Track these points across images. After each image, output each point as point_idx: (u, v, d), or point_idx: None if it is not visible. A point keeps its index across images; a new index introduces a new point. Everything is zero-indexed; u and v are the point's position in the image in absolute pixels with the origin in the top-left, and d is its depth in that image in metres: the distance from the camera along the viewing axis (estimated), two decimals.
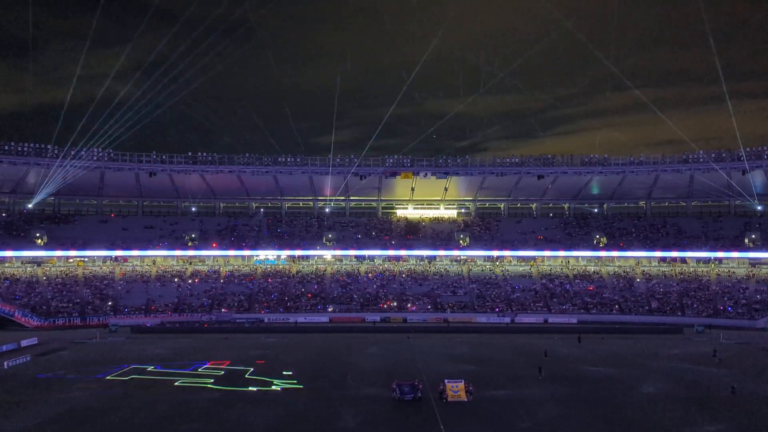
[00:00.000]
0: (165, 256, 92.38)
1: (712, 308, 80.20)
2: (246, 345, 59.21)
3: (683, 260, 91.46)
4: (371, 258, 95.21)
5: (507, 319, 79.22)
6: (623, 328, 72.94)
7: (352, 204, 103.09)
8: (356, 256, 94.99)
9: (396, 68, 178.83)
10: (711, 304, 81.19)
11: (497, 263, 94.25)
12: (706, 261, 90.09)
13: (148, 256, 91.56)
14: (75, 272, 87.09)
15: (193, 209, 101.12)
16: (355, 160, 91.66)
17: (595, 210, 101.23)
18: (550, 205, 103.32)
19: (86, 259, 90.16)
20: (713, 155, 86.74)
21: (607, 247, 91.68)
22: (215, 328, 73.59)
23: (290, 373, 44.62)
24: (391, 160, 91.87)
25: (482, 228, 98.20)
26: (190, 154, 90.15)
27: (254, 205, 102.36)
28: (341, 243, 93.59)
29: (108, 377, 43.41)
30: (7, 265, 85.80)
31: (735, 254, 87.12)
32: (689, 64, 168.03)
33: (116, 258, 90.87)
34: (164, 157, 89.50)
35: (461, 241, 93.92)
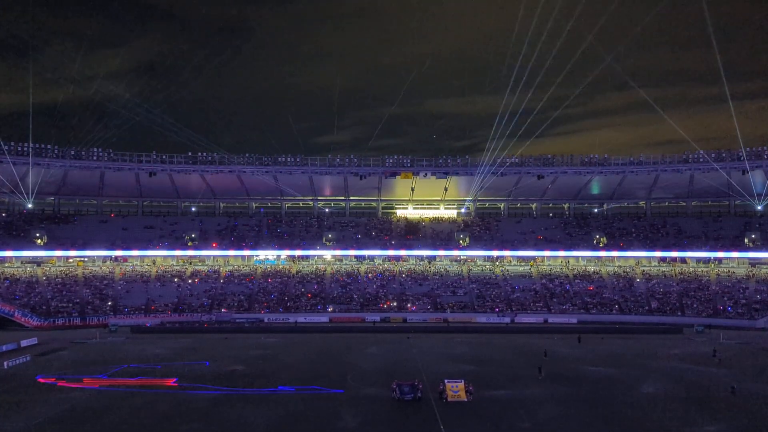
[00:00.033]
0: (165, 256, 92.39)
1: (712, 308, 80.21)
2: (246, 345, 59.22)
3: (683, 260, 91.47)
4: (371, 258, 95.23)
5: (507, 319, 79.22)
6: (623, 328, 72.94)
7: (352, 204, 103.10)
8: (356, 256, 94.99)
9: (396, 68, 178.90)
10: (711, 304, 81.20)
11: (497, 263, 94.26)
12: (706, 261, 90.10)
13: (148, 256, 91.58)
14: (75, 272, 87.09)
15: (193, 209, 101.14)
16: (355, 160, 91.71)
17: (595, 210, 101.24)
18: (550, 205, 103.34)
19: (86, 259, 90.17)
20: (713, 155, 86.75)
21: (607, 247, 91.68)
22: (215, 328, 73.59)
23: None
24: (391, 160, 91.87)
25: (482, 228, 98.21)
26: (190, 154, 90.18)
27: (254, 205, 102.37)
28: (341, 243, 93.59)
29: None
30: (7, 265, 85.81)
31: (735, 254, 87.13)
32: (689, 64, 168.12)
33: (116, 258, 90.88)
34: (164, 157, 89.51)
35: (461, 241, 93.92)
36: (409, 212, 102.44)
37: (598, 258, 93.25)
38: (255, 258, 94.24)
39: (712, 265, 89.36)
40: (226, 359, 50.93)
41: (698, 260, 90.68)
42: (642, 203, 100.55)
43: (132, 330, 71.07)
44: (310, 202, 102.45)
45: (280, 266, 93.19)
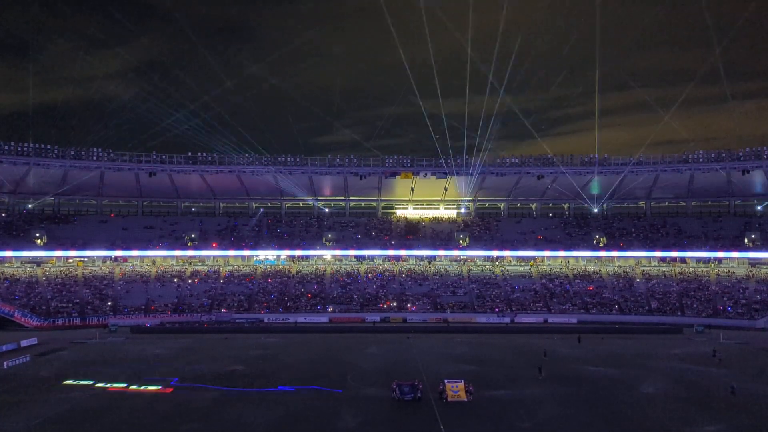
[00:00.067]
0: (165, 256, 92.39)
1: (711, 308, 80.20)
2: (246, 345, 59.23)
3: (683, 260, 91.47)
4: (371, 258, 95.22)
5: (507, 319, 79.20)
6: (623, 328, 72.93)
7: (352, 204, 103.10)
8: (356, 256, 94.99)
9: (396, 68, 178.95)
10: (711, 304, 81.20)
11: (497, 263, 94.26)
12: (706, 261, 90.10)
13: (147, 256, 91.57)
14: (75, 272, 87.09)
15: (193, 209, 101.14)
16: (355, 160, 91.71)
17: (595, 210, 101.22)
18: (550, 205, 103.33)
19: (86, 259, 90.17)
20: (713, 155, 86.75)
21: (606, 247, 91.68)
22: (215, 328, 73.57)
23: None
24: (391, 160, 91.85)
25: (482, 228, 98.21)
26: (189, 154, 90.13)
27: (254, 205, 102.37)
28: (341, 243, 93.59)
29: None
30: (6, 265, 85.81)
31: (735, 254, 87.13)
32: (689, 64, 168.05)
33: (116, 258, 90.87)
34: (164, 157, 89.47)
35: (461, 241, 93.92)
36: (409, 212, 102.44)
37: (598, 258, 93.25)
38: (255, 258, 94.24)
39: (712, 265, 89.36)
40: (226, 359, 50.92)
41: (698, 260, 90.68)
42: (642, 203, 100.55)
43: (132, 330, 71.06)
44: (310, 202, 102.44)
45: (280, 266, 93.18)
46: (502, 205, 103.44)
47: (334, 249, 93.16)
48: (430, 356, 52.69)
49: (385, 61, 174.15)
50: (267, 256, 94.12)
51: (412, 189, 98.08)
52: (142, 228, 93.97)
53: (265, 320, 78.89)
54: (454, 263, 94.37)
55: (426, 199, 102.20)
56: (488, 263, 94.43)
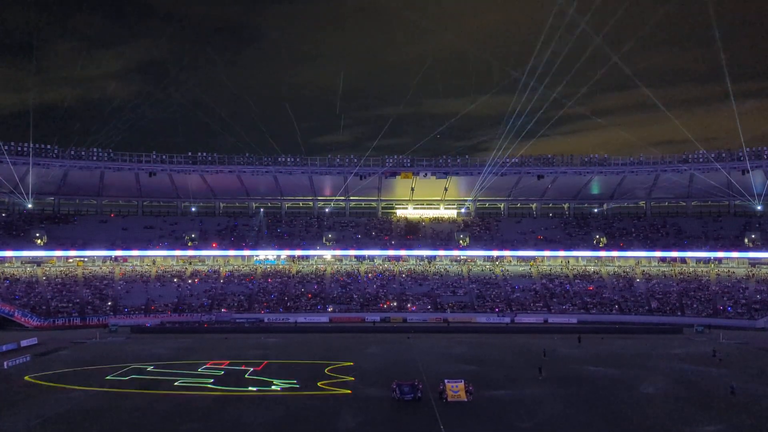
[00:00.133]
0: (165, 256, 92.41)
1: (711, 308, 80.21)
2: (246, 345, 59.21)
3: (683, 260, 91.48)
4: (371, 258, 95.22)
5: (507, 319, 79.21)
6: (623, 328, 72.93)
7: (352, 204, 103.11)
8: (356, 256, 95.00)
9: (396, 68, 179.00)
10: (711, 304, 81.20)
11: (497, 263, 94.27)
12: (706, 261, 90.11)
13: (148, 256, 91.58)
14: (75, 272, 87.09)
15: (193, 209, 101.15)
16: (355, 160, 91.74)
17: (595, 210, 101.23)
18: (550, 205, 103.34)
19: (86, 259, 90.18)
20: (713, 155, 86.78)
21: (607, 247, 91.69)
22: (215, 328, 73.58)
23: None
24: (391, 161, 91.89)
25: (482, 228, 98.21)
26: (190, 154, 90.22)
27: (254, 205, 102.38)
28: (341, 243, 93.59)
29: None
30: (6, 265, 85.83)
31: (735, 254, 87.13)
32: (689, 64, 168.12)
33: (116, 258, 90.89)
34: (164, 157, 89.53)
35: (461, 241, 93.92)
36: (409, 212, 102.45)
37: (598, 258, 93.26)
38: (255, 258, 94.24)
39: (712, 265, 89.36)
40: (225, 359, 50.88)
41: (698, 260, 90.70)
42: (642, 203, 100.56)
43: (132, 330, 71.07)
44: (310, 202, 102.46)
45: (280, 266, 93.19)
46: (502, 205, 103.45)
47: (334, 249, 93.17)
48: (430, 356, 52.67)
49: (386, 61, 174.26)
50: (267, 256, 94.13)
51: (412, 189, 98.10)
52: (142, 228, 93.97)
53: (265, 320, 78.91)
54: (454, 263, 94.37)
55: (426, 199, 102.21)
56: (488, 263, 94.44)
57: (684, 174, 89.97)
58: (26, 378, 43.30)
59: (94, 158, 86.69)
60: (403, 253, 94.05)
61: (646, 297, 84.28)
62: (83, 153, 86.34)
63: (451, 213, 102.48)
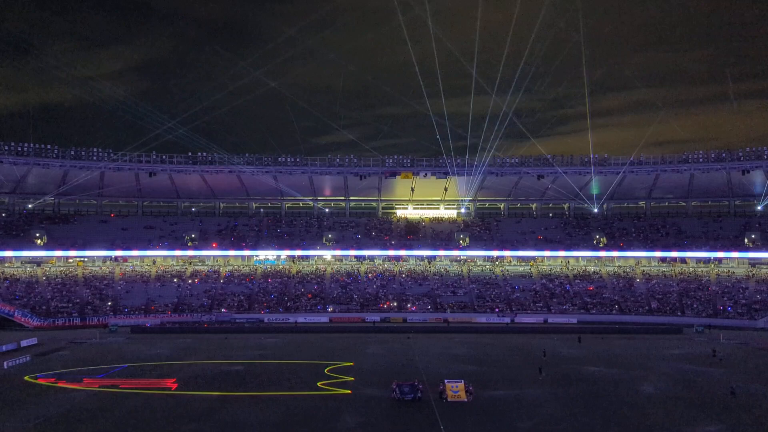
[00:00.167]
0: (165, 256, 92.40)
1: (712, 308, 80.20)
2: (246, 345, 59.21)
3: (683, 260, 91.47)
4: (371, 258, 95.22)
5: (507, 320, 79.19)
6: (623, 328, 72.92)
7: (352, 204, 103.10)
8: (356, 256, 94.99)
9: (396, 68, 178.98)
10: (711, 304, 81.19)
11: (497, 263, 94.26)
12: (706, 261, 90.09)
13: (147, 256, 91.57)
14: (75, 272, 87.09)
15: (193, 209, 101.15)
16: (355, 160, 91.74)
17: (595, 210, 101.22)
18: (550, 205, 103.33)
19: (86, 259, 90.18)
20: (713, 155, 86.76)
21: (607, 247, 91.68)
22: (215, 328, 73.57)
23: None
24: (391, 160, 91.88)
25: (482, 228, 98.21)
26: (190, 154, 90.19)
27: (254, 205, 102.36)
28: (341, 243, 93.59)
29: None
30: (6, 265, 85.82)
31: (735, 254, 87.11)
32: (689, 64, 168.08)
33: (116, 258, 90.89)
34: (164, 157, 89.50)
35: (461, 241, 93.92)
36: (409, 212, 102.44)
37: (598, 258, 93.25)
38: (255, 258, 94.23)
39: (712, 265, 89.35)
40: (226, 359, 50.90)
41: (698, 260, 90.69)
42: (642, 203, 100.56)
43: (132, 330, 71.07)
44: (310, 202, 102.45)
45: (280, 266, 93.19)
46: (502, 205, 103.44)
47: (334, 249, 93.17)
48: (430, 356, 52.67)
49: (386, 61, 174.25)
50: (267, 256, 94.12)
51: (412, 189, 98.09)
52: (142, 228, 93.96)
53: (265, 320, 78.90)
54: (454, 263, 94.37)
55: (426, 199, 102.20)
56: (488, 263, 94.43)
57: (684, 174, 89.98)
58: (26, 378, 43.31)
59: (94, 158, 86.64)
60: (403, 253, 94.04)
61: (646, 297, 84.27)
62: (83, 153, 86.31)
63: (451, 213, 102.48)
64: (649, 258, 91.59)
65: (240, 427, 31.06)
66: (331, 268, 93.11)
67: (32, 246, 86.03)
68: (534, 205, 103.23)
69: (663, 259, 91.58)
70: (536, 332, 70.77)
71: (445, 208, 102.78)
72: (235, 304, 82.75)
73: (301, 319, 78.96)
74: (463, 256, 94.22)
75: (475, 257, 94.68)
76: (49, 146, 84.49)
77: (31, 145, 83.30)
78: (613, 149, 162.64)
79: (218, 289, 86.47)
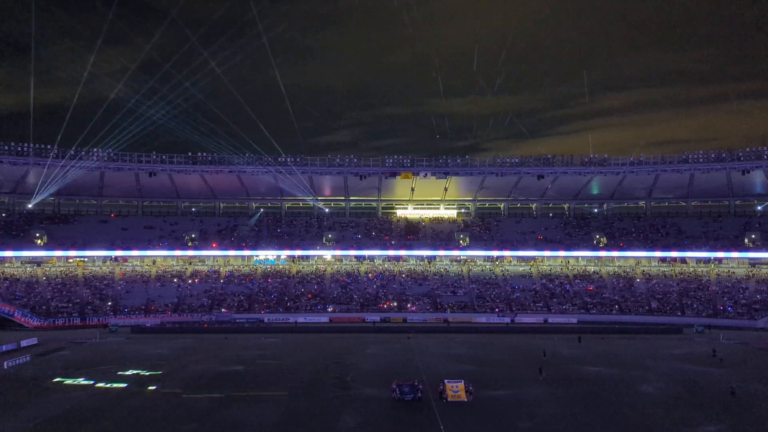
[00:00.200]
0: (165, 256, 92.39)
1: (712, 308, 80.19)
2: (246, 345, 59.21)
3: (683, 260, 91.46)
4: (371, 258, 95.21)
5: (507, 320, 79.18)
6: (623, 328, 72.88)
7: (352, 204, 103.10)
8: (356, 257, 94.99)
9: (397, 68, 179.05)
10: (711, 304, 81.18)
11: (497, 263, 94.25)
12: (706, 261, 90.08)
13: (147, 256, 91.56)
14: (75, 272, 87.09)
15: (193, 209, 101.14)
16: (356, 160, 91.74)
17: (595, 210, 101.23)
18: (550, 205, 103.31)
19: (86, 259, 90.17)
20: (713, 155, 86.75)
21: (607, 247, 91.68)
22: (215, 328, 73.56)
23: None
24: (391, 161, 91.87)
25: (482, 228, 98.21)
26: (190, 154, 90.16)
27: (254, 205, 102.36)
28: (341, 243, 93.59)
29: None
30: (7, 265, 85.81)
31: (735, 254, 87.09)
32: (689, 64, 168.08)
33: (116, 258, 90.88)
34: (164, 157, 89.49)
35: (461, 241, 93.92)
36: (409, 212, 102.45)
37: (598, 258, 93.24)
38: (255, 258, 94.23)
39: (712, 265, 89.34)
40: (225, 359, 50.90)
41: (698, 260, 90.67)
42: (642, 203, 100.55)
43: (132, 330, 71.06)
44: (310, 202, 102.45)
45: (280, 266, 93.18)
46: (502, 205, 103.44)
47: (334, 249, 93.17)
48: (430, 356, 52.67)
49: (386, 61, 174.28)
50: (267, 256, 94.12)
51: (412, 189, 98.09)
52: (142, 228, 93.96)
53: (265, 320, 78.90)
54: (454, 263, 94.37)
55: (426, 199, 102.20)
56: (488, 263, 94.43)
57: (684, 174, 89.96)
58: (26, 378, 43.32)
59: (94, 158, 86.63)
60: (403, 253, 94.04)
61: (646, 297, 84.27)
62: (83, 153, 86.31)
63: (451, 213, 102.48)
64: (649, 258, 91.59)
65: (240, 427, 31.07)
66: (331, 268, 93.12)
67: (32, 246, 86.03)
68: (534, 205, 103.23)
69: (663, 259, 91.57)
70: (536, 332, 70.74)
71: (445, 208, 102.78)
72: (235, 304, 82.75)
73: (301, 319, 78.97)
74: (463, 256, 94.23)
75: (475, 257, 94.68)
76: (49, 146, 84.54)
77: (31, 145, 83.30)
78: (613, 149, 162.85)
79: (218, 289, 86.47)
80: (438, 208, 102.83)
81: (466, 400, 35.81)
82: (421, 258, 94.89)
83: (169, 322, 77.23)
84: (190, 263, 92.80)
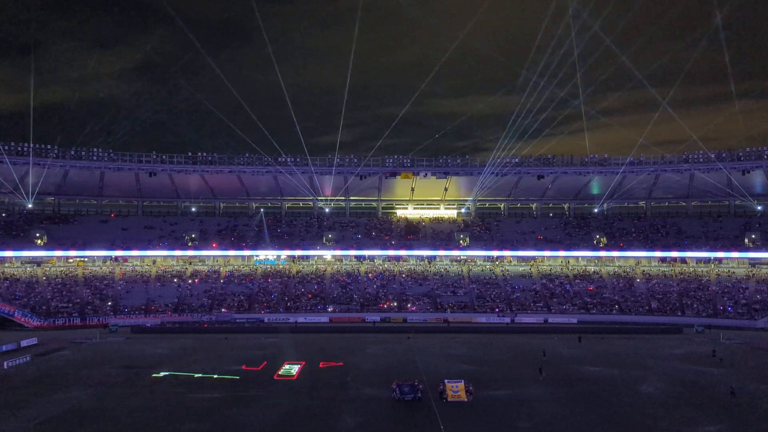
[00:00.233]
0: (165, 256, 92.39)
1: (712, 308, 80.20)
2: (246, 345, 59.21)
3: (683, 260, 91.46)
4: (371, 258, 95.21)
5: (507, 320, 79.19)
6: (623, 328, 72.88)
7: (352, 204, 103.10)
8: (356, 256, 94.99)
9: (397, 68, 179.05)
10: (711, 304, 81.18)
11: (497, 263, 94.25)
12: (706, 261, 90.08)
13: (148, 256, 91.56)
14: (75, 272, 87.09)
15: (193, 209, 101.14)
16: (356, 160, 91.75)
17: (595, 210, 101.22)
18: (550, 205, 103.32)
19: (86, 259, 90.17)
20: (713, 155, 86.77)
21: (607, 247, 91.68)
22: (215, 328, 73.56)
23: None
24: (391, 161, 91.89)
25: (482, 228, 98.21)
26: (190, 154, 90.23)
27: (254, 205, 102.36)
28: (341, 243, 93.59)
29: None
30: (7, 265, 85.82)
31: (735, 254, 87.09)
32: (690, 63, 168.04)
33: (116, 258, 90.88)
34: (164, 157, 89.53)
35: (461, 241, 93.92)
36: (409, 212, 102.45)
37: (598, 258, 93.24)
38: (255, 258, 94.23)
39: (712, 265, 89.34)
40: (226, 359, 50.90)
41: (698, 260, 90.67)
42: (642, 203, 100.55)
43: (132, 330, 71.07)
44: (310, 202, 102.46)
45: (280, 266, 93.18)
46: (502, 205, 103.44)
47: (335, 249, 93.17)
48: (430, 356, 52.68)
49: (386, 61, 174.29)
50: (267, 256, 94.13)
51: (413, 189, 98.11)
52: (142, 228, 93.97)
53: (266, 320, 78.90)
54: (455, 263, 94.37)
55: (426, 199, 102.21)
56: (488, 263, 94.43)
57: (684, 174, 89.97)
58: (27, 378, 43.33)
59: (94, 158, 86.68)
60: (403, 253, 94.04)
61: (646, 297, 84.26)
62: (83, 153, 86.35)
63: (451, 213, 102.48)
64: (649, 258, 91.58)
65: (240, 427, 31.08)
66: (331, 268, 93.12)
67: (32, 246, 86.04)
68: (534, 205, 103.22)
69: (663, 259, 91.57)
70: (536, 332, 70.73)
71: (445, 208, 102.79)
72: (235, 304, 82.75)
73: (301, 319, 78.97)
74: (463, 256, 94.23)
75: (475, 257, 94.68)
76: (49, 146, 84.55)
77: (31, 145, 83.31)
78: (613, 149, 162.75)
79: (218, 289, 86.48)
80: (438, 208, 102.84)
81: (466, 400, 35.81)
82: (421, 258, 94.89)
83: (169, 322, 77.24)
84: (190, 263, 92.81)
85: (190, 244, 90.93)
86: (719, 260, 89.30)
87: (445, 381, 37.24)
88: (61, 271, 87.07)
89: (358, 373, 45.03)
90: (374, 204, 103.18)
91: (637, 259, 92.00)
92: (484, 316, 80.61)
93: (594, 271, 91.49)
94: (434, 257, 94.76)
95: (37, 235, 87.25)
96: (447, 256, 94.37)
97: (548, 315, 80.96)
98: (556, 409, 34.53)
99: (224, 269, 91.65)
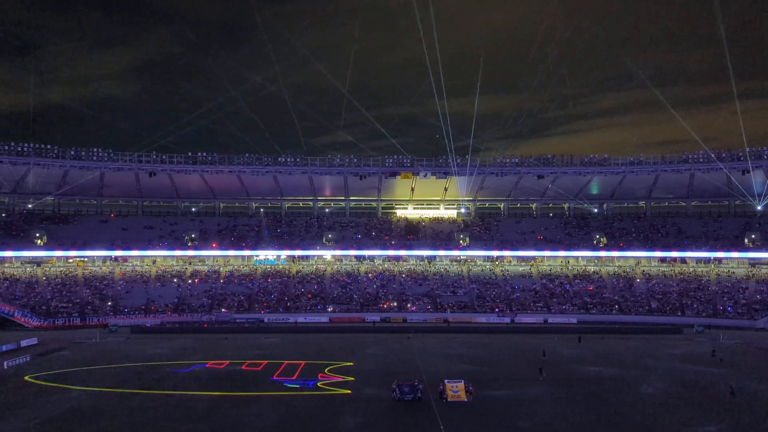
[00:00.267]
0: (165, 256, 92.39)
1: (711, 308, 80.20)
2: (246, 345, 59.20)
3: (683, 260, 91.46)
4: (371, 258, 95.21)
5: (507, 319, 79.21)
6: (623, 328, 72.92)
7: (352, 204, 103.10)
8: (356, 256, 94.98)
9: (397, 68, 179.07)
10: (711, 304, 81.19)
11: (497, 263, 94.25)
12: (706, 261, 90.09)
13: (148, 256, 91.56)
14: (75, 272, 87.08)
15: (193, 209, 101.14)
16: (356, 160, 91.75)
17: (595, 210, 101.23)
18: (550, 205, 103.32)
19: (86, 259, 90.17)
20: (713, 155, 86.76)
21: (607, 247, 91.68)
22: (215, 328, 73.56)
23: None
24: (391, 160, 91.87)
25: (482, 228, 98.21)
26: (190, 154, 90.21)
27: (254, 205, 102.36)
28: (341, 243, 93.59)
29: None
30: (6, 265, 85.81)
31: (735, 254, 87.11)
32: (690, 63, 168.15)
33: (116, 258, 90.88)
34: (164, 157, 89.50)
35: (461, 241, 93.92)
36: (409, 212, 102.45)
37: (598, 258, 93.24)
38: (255, 258, 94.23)
39: (712, 265, 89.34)
40: (225, 359, 50.88)
41: (698, 260, 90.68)
42: (642, 203, 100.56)
43: (132, 330, 71.08)
44: (310, 202, 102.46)
45: (280, 266, 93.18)
46: (502, 205, 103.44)
47: (334, 249, 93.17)
48: (430, 356, 52.67)
49: (386, 61, 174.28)
50: (267, 256, 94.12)
51: (412, 189, 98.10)
52: (142, 228, 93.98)
53: (265, 320, 78.91)
54: (454, 263, 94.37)
55: (426, 199, 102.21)
56: (488, 263, 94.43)
57: (684, 174, 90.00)
58: (26, 378, 43.32)
59: (94, 158, 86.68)
60: (403, 253, 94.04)
61: (646, 297, 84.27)
62: (83, 153, 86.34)
63: (451, 213, 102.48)
64: (649, 258, 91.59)
65: (240, 427, 31.07)
66: (331, 268, 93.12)
67: (32, 246, 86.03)
68: (534, 205, 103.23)
69: (663, 259, 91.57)
70: (536, 332, 70.75)
71: (445, 208, 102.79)
72: (235, 304, 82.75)
73: (301, 319, 78.98)
74: (463, 256, 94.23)
75: (475, 257, 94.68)
76: (49, 146, 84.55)
77: (31, 145, 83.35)
78: (613, 149, 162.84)
79: (218, 289, 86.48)
80: (438, 208, 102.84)
81: (466, 400, 35.80)
82: (421, 258, 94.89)
83: (169, 322, 77.25)
84: (190, 263, 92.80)
85: (190, 244, 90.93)
86: (719, 260, 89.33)
87: (445, 381, 37.23)
88: (61, 271, 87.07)
89: (359, 373, 44.99)
90: (374, 204, 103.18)
91: (637, 259, 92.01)
92: (484, 316, 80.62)
93: (594, 271, 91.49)
94: (434, 257, 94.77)
95: (37, 235, 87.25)
96: (447, 256, 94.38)
97: (548, 315, 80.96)
98: (556, 409, 34.52)
99: (224, 269, 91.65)
